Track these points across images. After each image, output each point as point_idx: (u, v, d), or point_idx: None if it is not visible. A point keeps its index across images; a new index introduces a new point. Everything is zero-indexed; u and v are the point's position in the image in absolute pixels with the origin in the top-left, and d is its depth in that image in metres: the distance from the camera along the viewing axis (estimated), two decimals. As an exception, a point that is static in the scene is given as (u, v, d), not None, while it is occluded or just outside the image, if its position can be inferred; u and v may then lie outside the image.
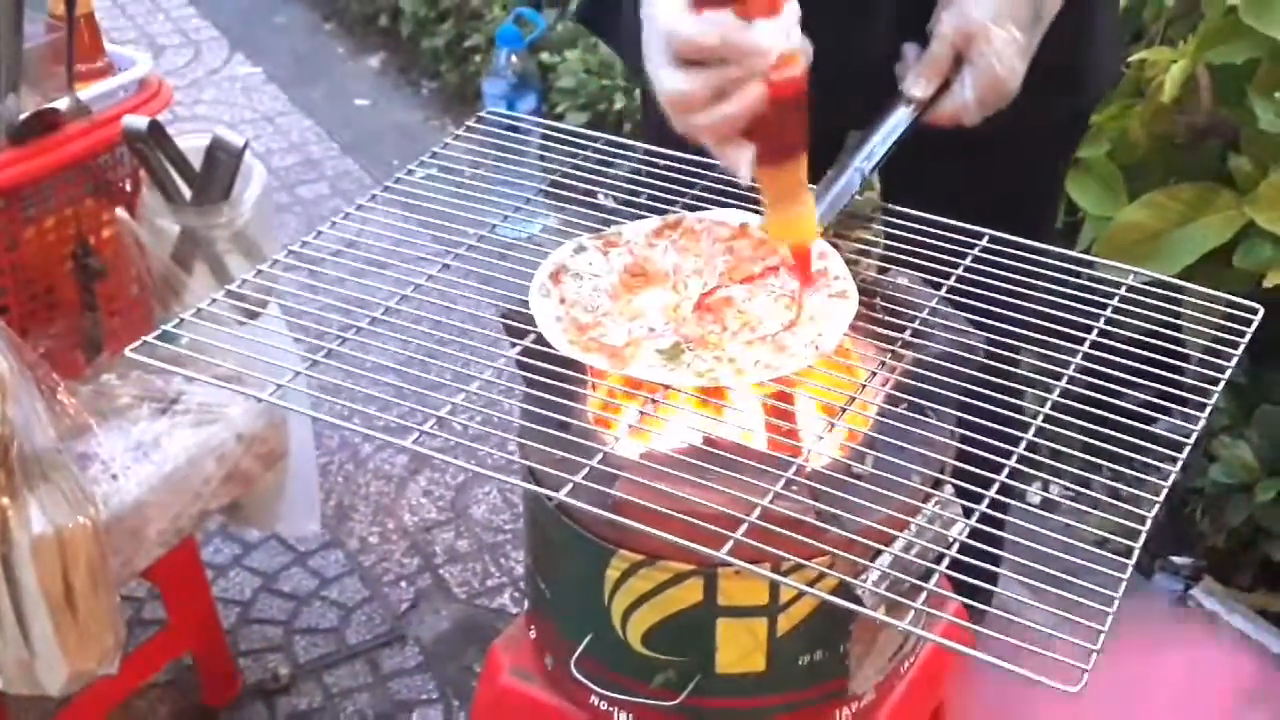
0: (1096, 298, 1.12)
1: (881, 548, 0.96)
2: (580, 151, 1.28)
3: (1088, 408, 0.99)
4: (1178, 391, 1.02)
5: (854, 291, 1.10)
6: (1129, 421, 0.96)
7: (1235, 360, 1.07)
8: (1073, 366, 1.05)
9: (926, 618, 0.90)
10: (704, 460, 0.95)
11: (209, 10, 4.19)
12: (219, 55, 3.95)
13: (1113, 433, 0.96)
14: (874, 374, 1.08)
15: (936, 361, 1.06)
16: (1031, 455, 0.96)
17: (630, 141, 1.26)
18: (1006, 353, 1.06)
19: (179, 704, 1.93)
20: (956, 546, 0.92)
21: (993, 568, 0.89)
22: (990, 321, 1.08)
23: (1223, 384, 1.05)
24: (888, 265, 1.16)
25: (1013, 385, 1.01)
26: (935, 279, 1.13)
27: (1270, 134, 1.86)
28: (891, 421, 1.03)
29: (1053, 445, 0.99)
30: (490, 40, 3.32)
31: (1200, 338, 1.12)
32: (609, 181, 1.25)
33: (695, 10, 0.99)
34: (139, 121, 1.60)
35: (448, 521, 2.30)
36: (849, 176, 1.17)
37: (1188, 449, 0.97)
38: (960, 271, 1.13)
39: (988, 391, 1.01)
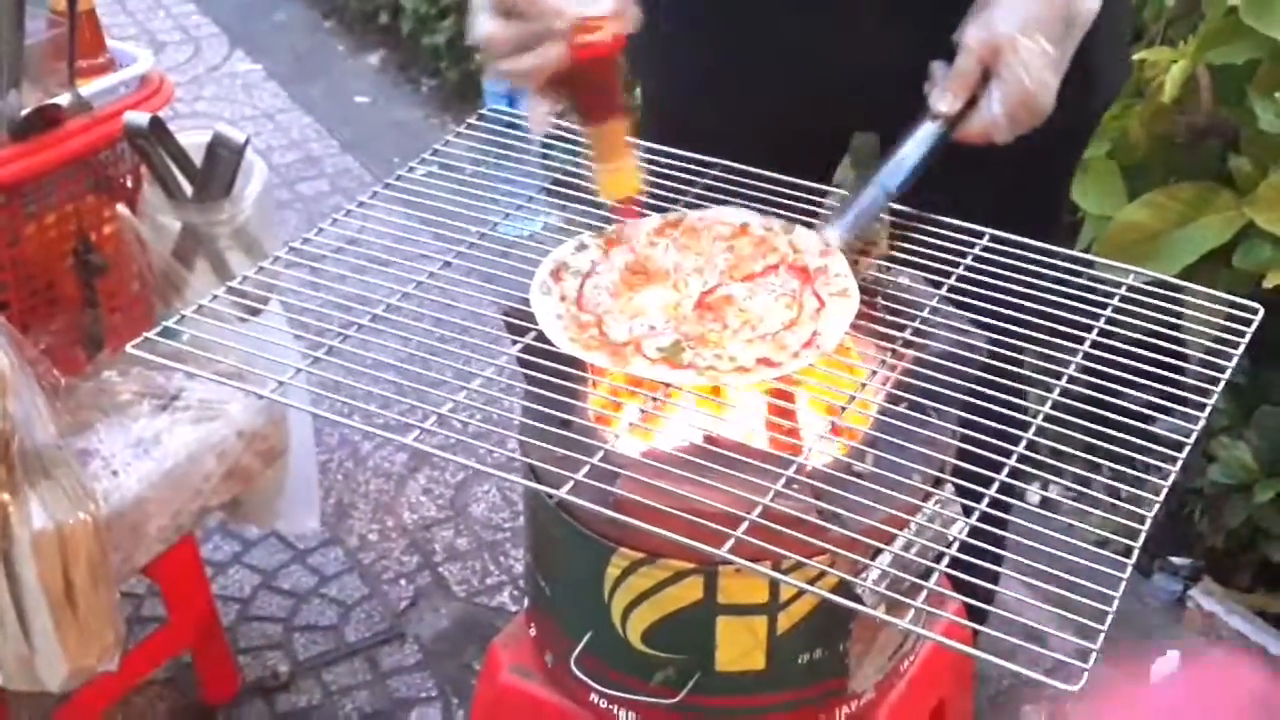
0: (1097, 297, 1.12)
1: (882, 546, 0.96)
2: (581, 150, 1.28)
3: (1088, 407, 0.99)
4: (1177, 391, 1.02)
5: (855, 290, 1.10)
6: (1129, 421, 0.96)
7: (1235, 360, 1.07)
8: (1073, 366, 1.05)
9: (926, 616, 0.90)
10: (705, 458, 0.95)
11: (209, 7, 4.19)
12: (219, 52, 3.95)
13: (1113, 432, 0.96)
14: (875, 373, 1.08)
15: (937, 360, 1.06)
16: (1031, 455, 0.96)
17: (631, 139, 1.26)
18: (1007, 352, 1.06)
19: (178, 701, 1.93)
20: (957, 545, 0.93)
21: (993, 567, 0.89)
22: (991, 321, 1.08)
23: (1223, 384, 1.05)
24: (889, 264, 1.16)
25: (1013, 384, 1.01)
26: (936, 278, 1.13)
27: (1270, 134, 1.87)
28: (892, 420, 1.03)
29: (1053, 445, 0.99)
30: (491, 38, 3.31)
31: (1200, 338, 1.12)
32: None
33: None
34: (140, 118, 1.60)
35: (447, 519, 2.30)
36: (872, 193, 1.16)
37: (1187, 449, 0.97)
38: (961, 271, 1.13)
39: (988, 391, 1.01)
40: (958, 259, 1.14)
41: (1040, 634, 0.86)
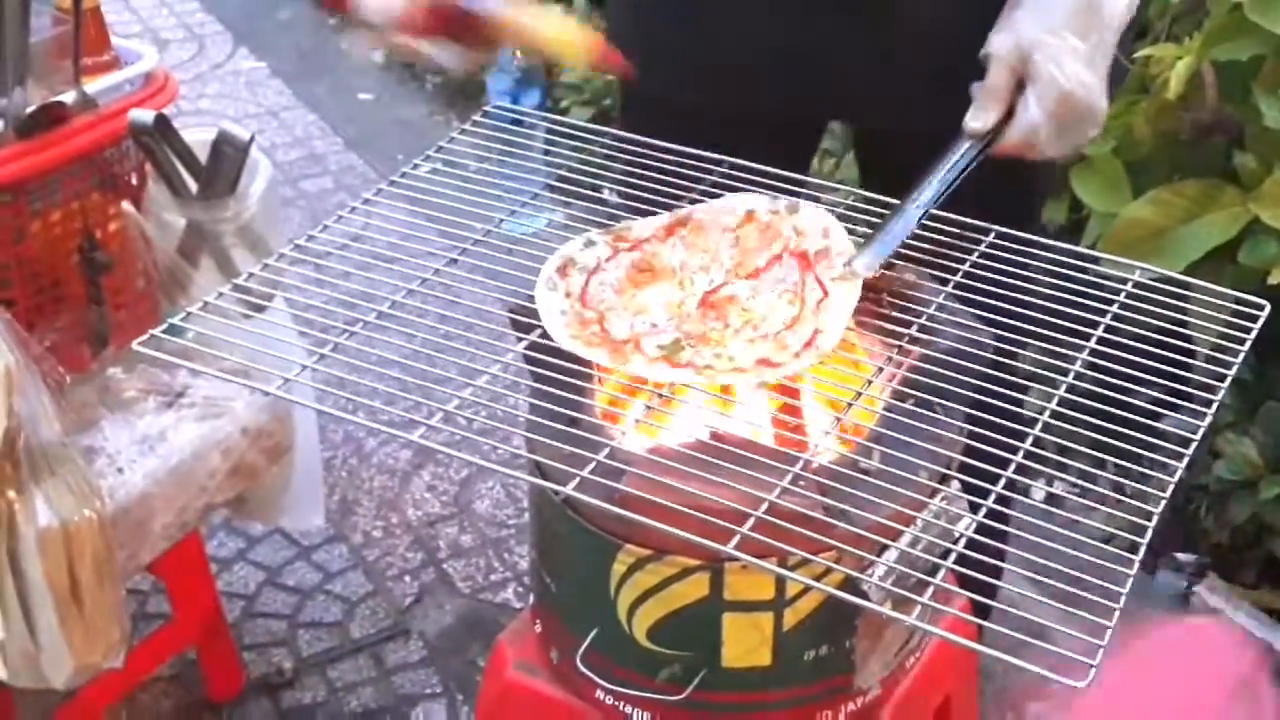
0: (1102, 294, 1.11)
1: (888, 543, 0.96)
2: (585, 147, 1.28)
3: (1094, 404, 0.99)
4: (1184, 388, 1.02)
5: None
6: (1135, 418, 0.96)
7: (1242, 356, 1.07)
8: (1079, 362, 1.04)
9: (932, 613, 0.90)
10: (711, 455, 0.95)
11: (213, 5, 4.18)
12: (223, 50, 3.95)
13: (1119, 429, 0.96)
14: (881, 369, 1.08)
15: (943, 357, 1.06)
16: (1038, 451, 0.96)
17: (635, 136, 1.26)
18: (1012, 348, 1.06)
19: (183, 698, 1.93)
20: (963, 542, 0.93)
21: (999, 563, 0.89)
22: (996, 317, 1.08)
23: (1229, 380, 1.05)
24: (894, 260, 1.16)
25: (1019, 381, 1.01)
26: (941, 274, 1.13)
27: (1275, 131, 1.86)
28: (898, 417, 1.03)
29: (1059, 441, 0.99)
30: (494, 35, 3.32)
31: (1206, 334, 1.11)
32: (614, 176, 1.25)
33: None
34: (145, 115, 1.60)
35: (451, 516, 2.30)
36: (901, 222, 1.12)
37: (1194, 446, 0.97)
38: (966, 267, 1.13)
39: (994, 387, 1.01)
40: (963, 255, 1.14)
41: (1046, 630, 0.86)
